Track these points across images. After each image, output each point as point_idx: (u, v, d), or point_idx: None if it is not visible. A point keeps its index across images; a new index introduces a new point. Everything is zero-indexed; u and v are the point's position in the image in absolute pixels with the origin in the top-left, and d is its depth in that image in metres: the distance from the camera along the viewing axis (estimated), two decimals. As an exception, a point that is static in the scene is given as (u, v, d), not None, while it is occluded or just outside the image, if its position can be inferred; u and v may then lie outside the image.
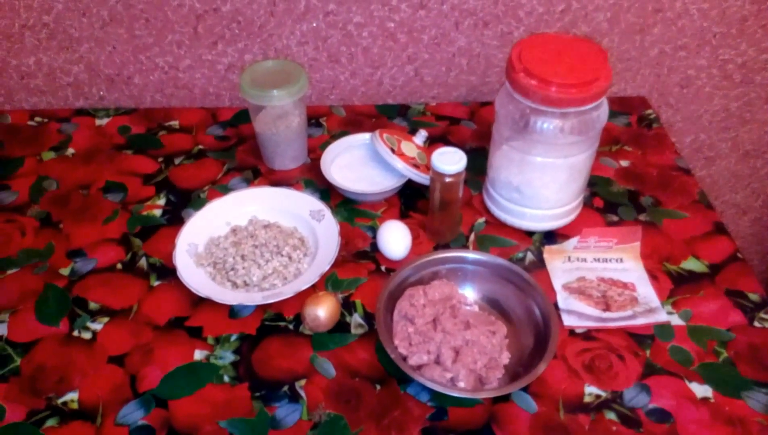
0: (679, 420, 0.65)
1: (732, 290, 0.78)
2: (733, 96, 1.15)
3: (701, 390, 0.67)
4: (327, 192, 0.90)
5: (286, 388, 0.68)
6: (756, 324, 0.74)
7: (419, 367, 0.67)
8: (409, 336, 0.68)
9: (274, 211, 0.84)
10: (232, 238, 0.80)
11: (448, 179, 0.76)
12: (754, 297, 0.77)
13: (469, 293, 0.75)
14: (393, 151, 0.87)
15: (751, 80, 1.13)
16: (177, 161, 0.96)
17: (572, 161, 0.77)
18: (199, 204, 0.87)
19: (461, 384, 0.64)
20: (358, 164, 0.92)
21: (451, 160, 0.75)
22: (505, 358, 0.68)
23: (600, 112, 0.75)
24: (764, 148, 1.24)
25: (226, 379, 0.68)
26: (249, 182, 0.92)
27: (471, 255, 0.75)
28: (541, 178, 0.78)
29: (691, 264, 0.81)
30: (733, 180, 1.30)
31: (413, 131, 0.94)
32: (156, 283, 0.78)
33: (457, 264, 0.75)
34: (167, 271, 0.79)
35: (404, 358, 0.67)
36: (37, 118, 1.04)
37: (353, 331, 0.73)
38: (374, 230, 0.84)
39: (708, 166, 1.27)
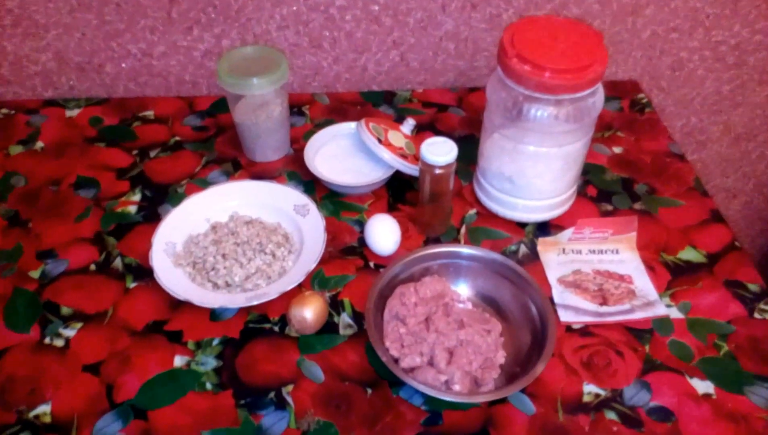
0: (681, 418, 0.63)
1: (731, 281, 0.75)
2: (725, 78, 1.13)
3: (702, 386, 0.65)
4: (311, 184, 0.86)
5: (272, 394, 0.64)
6: (756, 316, 0.72)
7: (412, 370, 0.64)
8: (401, 337, 0.65)
9: (256, 206, 0.80)
10: (212, 236, 0.76)
11: (438, 171, 0.72)
12: (753, 287, 0.75)
13: (462, 290, 0.72)
14: (380, 141, 0.83)
15: (744, 62, 1.10)
16: (152, 154, 0.92)
17: (567, 150, 0.74)
18: (176, 199, 0.83)
19: (456, 387, 0.61)
20: (343, 155, 0.89)
21: (441, 151, 0.72)
22: (501, 357, 0.66)
23: (596, 99, 0.72)
24: (756, 131, 1.22)
25: (208, 386, 0.65)
26: (229, 175, 0.88)
27: (464, 250, 0.72)
28: (534, 167, 0.75)
29: (689, 254, 0.79)
30: (724, 164, 1.28)
31: (400, 119, 0.91)
32: (132, 285, 0.74)
33: (449, 259, 0.72)
34: (144, 272, 0.75)
35: (396, 360, 0.64)
36: (4, 110, 0.98)
37: (342, 331, 0.70)
38: (361, 224, 0.81)
39: (699, 150, 1.25)
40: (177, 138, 0.94)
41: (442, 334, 0.65)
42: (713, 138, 1.23)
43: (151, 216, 0.82)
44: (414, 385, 0.60)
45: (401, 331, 0.65)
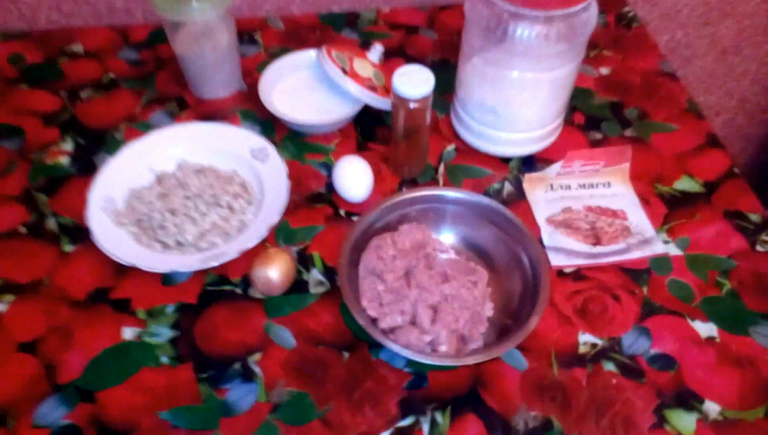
0: (684, 365, 0.58)
1: (731, 211, 0.70)
2: (716, -13, 1.04)
3: (705, 329, 0.61)
4: (270, 124, 0.77)
5: (237, 365, 0.57)
6: (758, 248, 0.67)
7: (393, 331, 0.57)
8: (379, 295, 0.58)
9: (207, 152, 0.71)
10: (157, 189, 0.66)
11: (413, 105, 0.63)
12: (754, 218, 0.69)
13: (445, 237, 0.65)
14: (344, 71, 0.73)
15: (737, -32, 1.02)
16: (84, 95, 0.80)
17: (555, 75, 0.65)
18: (114, 147, 0.72)
19: (442, 348, 0.55)
20: (304, 89, 0.78)
21: (415, 82, 0.63)
22: (489, 309, 0.60)
23: (589, 14, 0.63)
24: (743, 44, 1.15)
25: (164, 360, 0.58)
26: (174, 117, 0.78)
27: (444, 192, 0.64)
28: (519, 96, 0.67)
29: (685, 183, 0.73)
30: (708, 80, 1.21)
31: (366, 44, 0.80)
32: (70, 249, 0.65)
33: (428, 204, 0.64)
34: (82, 233, 0.65)
35: (374, 321, 0.58)
36: None
37: (312, 289, 0.63)
38: (329, 167, 0.72)
39: (684, 66, 1.18)
40: (111, 75, 0.83)
41: (425, 289, 0.58)
42: (699, 53, 1.16)
43: (87, 167, 0.72)
44: (396, 349, 0.53)
45: (379, 288, 0.58)
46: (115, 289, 0.62)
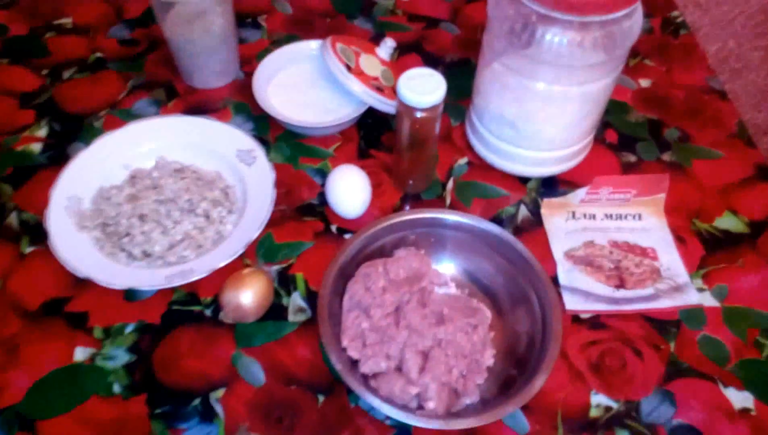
0: (712, 442, 0.50)
1: (779, 259, 0.61)
2: (777, -6, 0.93)
3: (739, 398, 0.52)
4: (265, 121, 0.69)
5: (197, 401, 0.51)
6: (809, 306, 0.58)
7: (375, 376, 0.50)
8: (363, 333, 0.51)
9: (189, 150, 0.63)
10: (128, 190, 0.59)
11: (420, 114, 0.55)
12: (806, 268, 0.60)
13: (446, 267, 0.57)
14: (349, 68, 0.65)
15: (804, -26, 0.90)
16: (66, 75, 0.73)
17: (588, 90, 0.56)
18: (91, 136, 0.65)
19: (430, 405, 0.48)
20: (304, 84, 0.71)
21: (424, 88, 0.54)
22: (489, 358, 0.52)
23: (633, 22, 0.54)
24: (801, 60, 1.04)
25: (116, 388, 0.51)
26: (161, 105, 0.70)
27: (448, 217, 0.56)
28: (544, 110, 0.58)
29: (728, 221, 0.64)
30: (758, 96, 1.10)
31: (378, 38, 0.72)
32: (29, 250, 0.59)
33: (429, 228, 0.57)
34: (44, 233, 0.59)
35: (355, 363, 0.50)
36: None
37: (291, 317, 0.55)
38: (324, 175, 0.64)
39: (733, 79, 1.07)
40: (99, 54, 0.76)
41: (416, 331, 0.50)
42: (751, 66, 1.05)
43: (59, 157, 0.65)
44: (374, 403, 0.46)
45: (363, 325, 0.51)
46: (73, 300, 0.56)
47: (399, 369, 0.50)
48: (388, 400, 0.47)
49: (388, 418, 0.50)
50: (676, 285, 0.58)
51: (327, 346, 0.48)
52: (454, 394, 0.49)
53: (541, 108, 0.58)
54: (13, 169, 0.64)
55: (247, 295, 0.52)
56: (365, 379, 0.50)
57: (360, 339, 0.51)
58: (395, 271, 0.54)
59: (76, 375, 0.52)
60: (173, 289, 0.56)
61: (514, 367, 0.51)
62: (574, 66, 0.54)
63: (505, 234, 0.55)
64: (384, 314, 0.51)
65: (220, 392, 0.51)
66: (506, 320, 0.54)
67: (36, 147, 0.66)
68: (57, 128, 0.68)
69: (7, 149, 0.66)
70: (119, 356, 0.53)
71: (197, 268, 0.54)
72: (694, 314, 0.57)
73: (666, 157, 0.69)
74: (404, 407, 0.48)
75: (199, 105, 0.70)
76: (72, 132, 0.68)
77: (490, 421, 0.46)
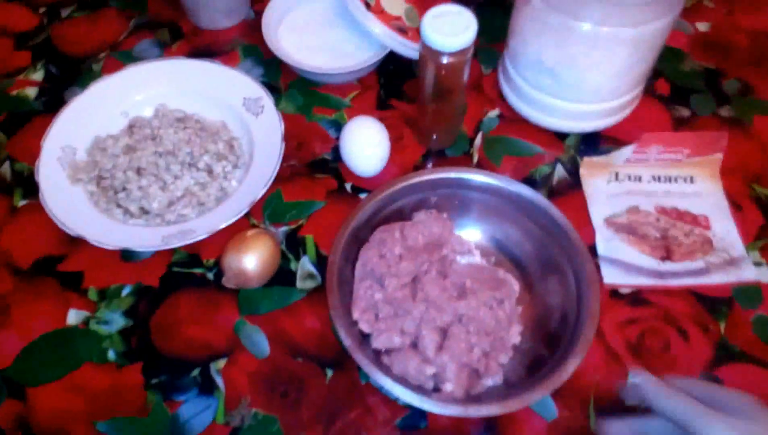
0: None
1: None
2: None
3: (798, 388, 0.46)
4: (276, 65, 0.63)
5: (196, 372, 0.47)
6: None
7: (388, 352, 0.45)
8: (376, 305, 0.46)
9: (193, 97, 0.58)
10: (125, 140, 0.54)
11: (446, 59, 0.49)
12: None
13: (470, 233, 0.52)
14: (368, 6, 0.58)
15: None
16: (65, 14, 0.68)
17: (641, 33, 0.49)
18: (90, 80, 0.60)
19: (448, 387, 0.43)
20: (319, 25, 0.64)
21: (452, 28, 0.47)
22: (516, 335, 0.47)
23: (701, -50, 0.45)
24: None
25: (111, 355, 0.48)
26: (164, 48, 0.65)
27: (475, 176, 0.50)
28: (589, 56, 0.51)
29: (792, 187, 0.56)
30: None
31: (402, -27, 0.64)
32: (22, 203, 0.55)
33: (453, 189, 0.51)
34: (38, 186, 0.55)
35: (366, 337, 0.46)
36: None
37: (299, 284, 0.51)
38: (340, 127, 0.59)
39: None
40: (100, -10, 0.70)
41: (434, 305, 0.45)
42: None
43: (55, 103, 0.60)
44: (385, 384, 0.41)
45: (377, 296, 0.46)
46: (67, 258, 0.52)
47: (414, 346, 0.45)
48: (402, 380, 0.43)
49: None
50: (730, 258, 0.52)
51: (335, 318, 0.43)
52: (475, 374, 0.45)
53: (585, 53, 0.51)
54: (7, 115, 0.60)
55: (251, 259, 0.47)
56: (377, 354, 0.45)
57: (372, 311, 0.46)
58: (414, 236, 0.48)
59: (68, 340, 0.48)
60: (174, 250, 0.52)
61: (544, 346, 0.46)
62: (625, 3, 0.46)
63: (539, 197, 0.49)
64: (400, 285, 0.46)
65: (221, 363, 0.47)
66: (536, 293, 0.49)
67: (31, 92, 0.62)
68: (54, 71, 0.63)
69: (1, 93, 0.61)
70: (115, 321, 0.49)
71: (198, 228, 0.49)
72: (749, 291, 0.50)
73: (724, 112, 0.61)
74: (419, 388, 0.43)
75: (206, 47, 0.65)
76: (70, 76, 0.63)
77: (515, 408, 0.41)
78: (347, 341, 0.42)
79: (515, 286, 0.49)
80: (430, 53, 0.49)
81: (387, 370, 0.43)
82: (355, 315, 0.45)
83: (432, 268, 0.47)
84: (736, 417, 0.32)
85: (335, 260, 0.46)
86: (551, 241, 0.48)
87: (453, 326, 0.45)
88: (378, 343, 0.45)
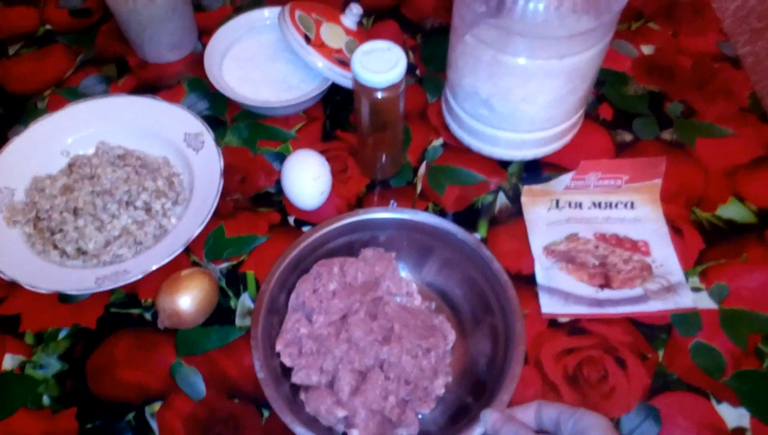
0: (699, 467, 0.45)
1: (789, 254, 0.54)
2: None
3: (734, 415, 0.46)
4: (222, 98, 0.63)
5: (131, 416, 0.47)
6: (820, 308, 0.51)
7: (306, 389, 0.45)
8: (300, 340, 0.45)
9: (134, 133, 0.58)
10: (64, 180, 0.54)
11: (380, 95, 0.49)
12: (819, 265, 0.53)
13: (416, 274, 0.51)
14: (308, 39, 0.58)
15: None
16: (12, 50, 0.68)
17: (573, 63, 0.49)
18: (33, 117, 0.60)
19: (354, 433, 0.42)
20: (263, 58, 0.64)
21: (380, 65, 0.48)
22: (440, 387, 0.45)
23: (623, -17, 0.46)
24: (832, 18, 0.94)
25: (45, 400, 0.47)
26: (110, 83, 0.65)
27: (417, 217, 0.48)
28: (522, 88, 0.51)
29: (733, 210, 0.57)
30: (781, 60, 1.00)
31: (343, 4, 0.65)
32: (-39, 246, 0.54)
33: (395, 229, 0.50)
34: (-23, 227, 0.54)
35: (288, 371, 0.45)
36: None
37: (239, 322, 0.51)
38: (284, 159, 0.59)
39: (752, 41, 0.97)
40: (48, 27, 0.70)
41: (356, 347, 0.45)
42: (774, 25, 0.95)
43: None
44: (290, 426, 0.40)
45: (303, 331, 0.46)
46: (5, 301, 0.51)
47: (331, 386, 0.44)
48: (313, 420, 0.42)
49: (336, 436, 0.45)
50: (668, 284, 0.52)
51: (254, 349, 0.43)
52: (388, 423, 0.44)
53: (518, 85, 0.51)
54: (-50, 155, 0.60)
55: (185, 300, 0.47)
56: (297, 390, 0.45)
57: (296, 345, 0.45)
58: (353, 273, 0.48)
59: (3, 385, 0.48)
60: (111, 291, 0.51)
61: (470, 394, 0.45)
62: (553, 37, 0.47)
63: (471, 237, 0.48)
64: (327, 322, 0.46)
65: (156, 406, 0.47)
66: (470, 342, 0.48)
67: (-25, 131, 0.61)
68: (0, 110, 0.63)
69: (-56, 134, 0.61)
70: (51, 365, 0.49)
71: (133, 268, 0.49)
72: (687, 319, 0.51)
73: (666, 135, 0.62)
74: (329, 430, 0.43)
75: (152, 81, 0.65)
76: (15, 113, 0.63)
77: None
78: (261, 374, 0.42)
79: (450, 335, 0.48)
80: (362, 89, 0.49)
81: (300, 408, 0.43)
82: (278, 347, 0.45)
83: (362, 309, 0.47)
84: None
85: (267, 289, 0.46)
86: (484, 280, 0.48)
87: (372, 371, 0.44)
88: (297, 378, 0.44)
